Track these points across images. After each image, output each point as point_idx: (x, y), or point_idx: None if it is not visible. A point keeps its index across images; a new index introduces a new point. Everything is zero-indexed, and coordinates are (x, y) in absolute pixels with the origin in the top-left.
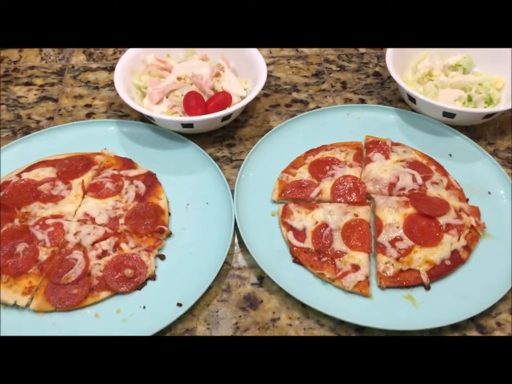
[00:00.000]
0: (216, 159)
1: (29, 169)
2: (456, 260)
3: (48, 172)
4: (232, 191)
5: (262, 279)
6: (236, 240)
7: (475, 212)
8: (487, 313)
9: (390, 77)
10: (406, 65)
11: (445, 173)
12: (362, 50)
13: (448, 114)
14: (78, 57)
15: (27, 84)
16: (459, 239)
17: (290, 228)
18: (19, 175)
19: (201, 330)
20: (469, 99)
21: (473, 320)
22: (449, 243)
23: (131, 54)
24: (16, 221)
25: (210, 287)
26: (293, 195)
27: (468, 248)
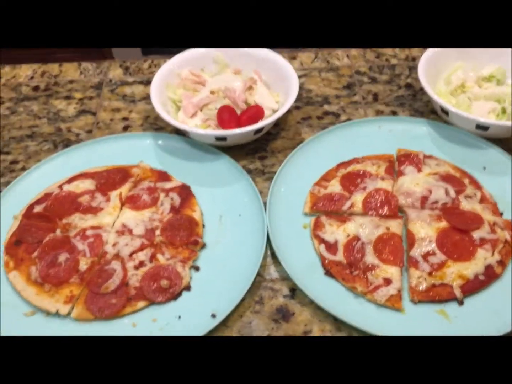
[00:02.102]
0: (249, 172)
1: (69, 181)
2: (490, 275)
3: (87, 184)
4: (265, 203)
5: (294, 291)
6: (268, 252)
7: (509, 226)
8: None
9: (422, 88)
10: (439, 76)
11: (478, 187)
12: (393, 61)
13: (482, 127)
14: (115, 71)
15: (67, 97)
16: (493, 253)
17: (322, 241)
18: (60, 187)
19: None
20: (503, 111)
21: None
22: (483, 258)
23: (166, 69)
24: (58, 232)
25: (243, 299)
26: (325, 208)
27: (502, 263)
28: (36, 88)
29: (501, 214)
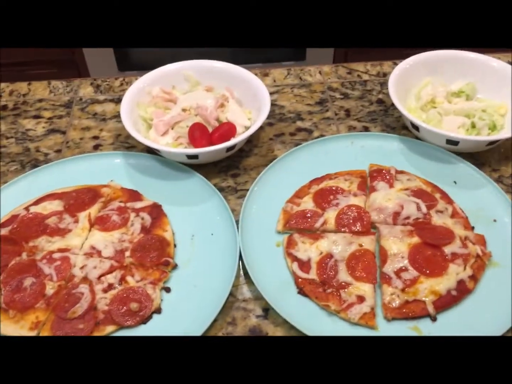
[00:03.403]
0: (221, 190)
1: (37, 202)
2: (462, 290)
3: (55, 205)
4: (237, 222)
5: (268, 310)
6: (241, 271)
7: (481, 240)
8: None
9: (393, 104)
10: (409, 92)
11: (450, 201)
12: (365, 77)
13: (452, 142)
14: (85, 89)
15: (36, 117)
16: (465, 268)
17: (295, 259)
18: (27, 208)
19: None
20: (473, 125)
21: None
22: (455, 273)
23: (137, 86)
24: (24, 255)
25: (215, 320)
26: (298, 225)
27: (474, 278)
28: (4, 107)
29: (472, 228)
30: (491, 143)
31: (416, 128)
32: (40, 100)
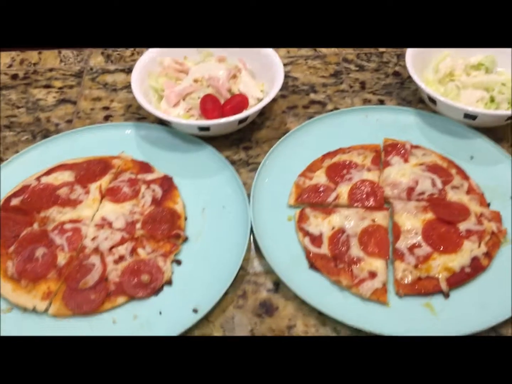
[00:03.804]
0: (233, 162)
1: (48, 173)
2: (476, 268)
3: (66, 176)
4: (249, 195)
5: (278, 285)
6: (252, 245)
7: (496, 217)
8: (508, 321)
9: (410, 77)
10: (427, 64)
11: (465, 177)
12: (381, 49)
13: (470, 116)
14: (96, 59)
15: (46, 86)
16: (479, 245)
17: (307, 233)
18: (38, 179)
19: None
20: (492, 99)
21: (493, 329)
22: (469, 250)
23: (148, 56)
24: (35, 226)
25: (226, 293)
26: (310, 199)
27: (489, 255)
28: (14, 77)
29: (488, 204)
30: (511, 117)
31: (433, 101)
32: (51, 70)
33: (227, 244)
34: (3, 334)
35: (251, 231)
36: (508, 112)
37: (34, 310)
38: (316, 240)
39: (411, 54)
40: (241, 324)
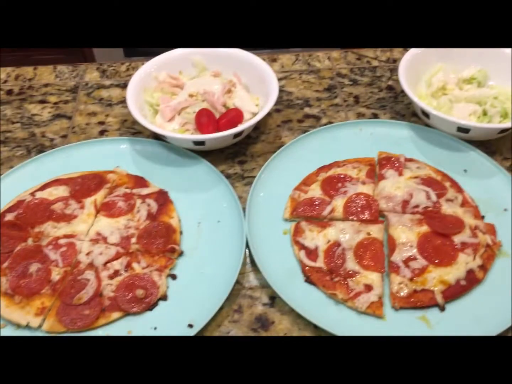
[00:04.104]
0: (228, 176)
1: (42, 188)
2: (471, 280)
3: (61, 191)
4: (244, 209)
5: (274, 299)
6: (247, 259)
7: (491, 230)
8: (503, 334)
9: (403, 91)
10: (420, 78)
11: (460, 190)
12: (374, 63)
13: (463, 129)
14: (91, 74)
15: (42, 102)
16: (474, 258)
17: (302, 247)
18: (32, 194)
19: None
20: (484, 113)
21: None
22: (464, 262)
23: (143, 71)
24: (30, 241)
25: (221, 308)
26: (305, 213)
27: (484, 268)
28: (9, 92)
29: (483, 217)
30: (503, 131)
31: (427, 115)
32: (46, 85)
33: (223, 258)
34: None
35: (247, 245)
36: (501, 125)
37: (27, 326)
38: (312, 253)
39: (404, 69)
40: None
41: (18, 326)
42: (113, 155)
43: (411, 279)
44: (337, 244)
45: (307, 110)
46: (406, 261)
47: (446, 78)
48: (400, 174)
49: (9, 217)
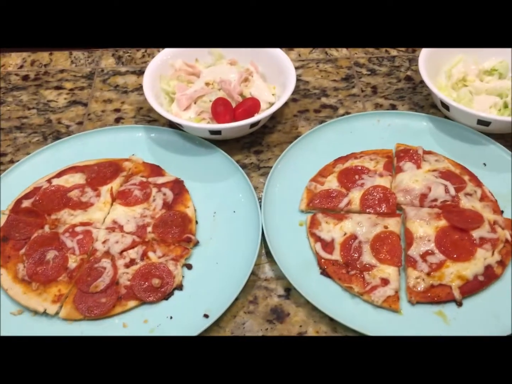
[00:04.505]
0: (244, 166)
1: (59, 175)
2: (489, 276)
3: (77, 178)
4: (260, 200)
5: (289, 290)
6: (263, 250)
7: (510, 225)
8: None
9: (422, 81)
10: (440, 69)
11: (479, 184)
12: (393, 53)
13: (483, 122)
14: (107, 60)
15: (57, 88)
16: (493, 253)
17: (318, 239)
18: (49, 181)
19: None
20: (505, 105)
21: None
22: (483, 258)
23: (159, 59)
24: (46, 228)
25: (237, 298)
26: (321, 205)
27: (502, 263)
28: (25, 78)
29: (502, 212)
30: None
31: (446, 107)
32: (62, 71)
33: (238, 248)
34: (14, 335)
35: (262, 236)
36: None
37: (44, 313)
38: (328, 246)
39: (424, 59)
40: (251, 330)
41: (35, 312)
42: (128, 143)
43: (428, 274)
44: (353, 237)
45: (324, 100)
46: (424, 256)
47: (467, 69)
48: (418, 167)
49: (26, 203)
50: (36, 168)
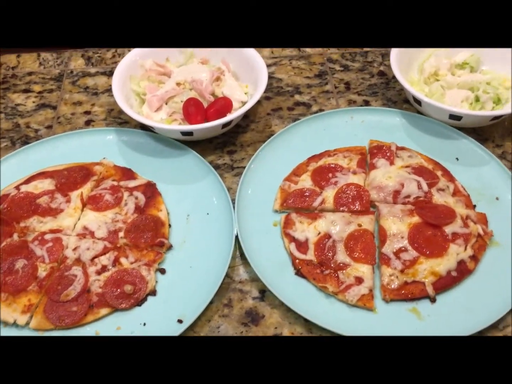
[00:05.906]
0: (217, 167)
1: (27, 181)
2: (462, 271)
3: (46, 184)
4: (233, 201)
5: (264, 292)
6: (237, 252)
7: (483, 219)
8: (495, 326)
9: (395, 76)
10: (412, 64)
11: (451, 179)
12: (366, 48)
13: (454, 117)
14: (76, 61)
15: (26, 91)
16: (465, 248)
17: (292, 239)
18: (17, 187)
19: None
20: (477, 99)
21: (479, 333)
22: (456, 253)
23: (129, 59)
24: (15, 236)
25: (211, 302)
26: (295, 204)
27: (475, 258)
28: None
29: (474, 206)
30: (495, 118)
31: (418, 102)
32: (30, 73)
33: (212, 251)
34: None
35: (236, 237)
36: (493, 113)
37: (15, 324)
38: (302, 246)
39: (396, 54)
40: (226, 334)
41: (5, 324)
42: (99, 146)
43: (402, 271)
44: (327, 236)
45: (297, 97)
46: (397, 253)
47: (439, 63)
48: (392, 163)
49: None
50: (4, 175)
